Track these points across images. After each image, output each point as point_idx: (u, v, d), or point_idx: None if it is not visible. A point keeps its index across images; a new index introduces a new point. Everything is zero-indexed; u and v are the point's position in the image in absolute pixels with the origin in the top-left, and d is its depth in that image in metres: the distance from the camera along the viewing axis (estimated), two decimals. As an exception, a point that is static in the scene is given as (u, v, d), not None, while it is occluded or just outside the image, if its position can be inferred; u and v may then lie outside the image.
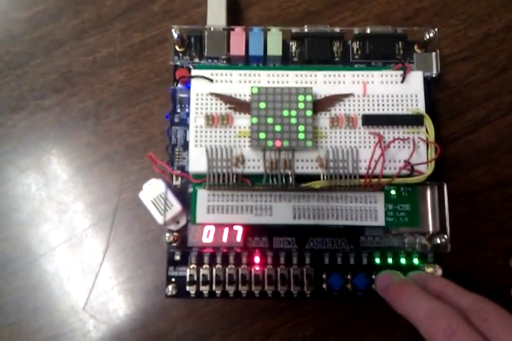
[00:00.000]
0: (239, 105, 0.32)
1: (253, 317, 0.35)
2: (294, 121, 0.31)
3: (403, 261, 0.34)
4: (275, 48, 0.35)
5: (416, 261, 0.34)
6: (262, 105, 0.31)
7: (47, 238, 0.36)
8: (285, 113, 0.31)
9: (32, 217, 0.36)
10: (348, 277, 0.34)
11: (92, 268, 0.36)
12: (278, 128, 0.31)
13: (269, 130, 0.31)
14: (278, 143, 0.31)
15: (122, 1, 0.39)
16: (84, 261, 0.36)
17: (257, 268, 0.34)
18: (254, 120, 0.31)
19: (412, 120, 0.32)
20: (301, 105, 0.31)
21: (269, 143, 0.31)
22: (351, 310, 0.35)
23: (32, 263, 0.36)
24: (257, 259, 0.34)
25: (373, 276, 0.34)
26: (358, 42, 0.37)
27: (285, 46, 0.36)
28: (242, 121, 0.32)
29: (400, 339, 0.35)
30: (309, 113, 0.31)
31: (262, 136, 0.31)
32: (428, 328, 0.25)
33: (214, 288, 0.33)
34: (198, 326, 0.35)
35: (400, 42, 0.36)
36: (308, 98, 0.31)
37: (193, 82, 0.32)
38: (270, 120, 0.31)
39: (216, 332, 0.35)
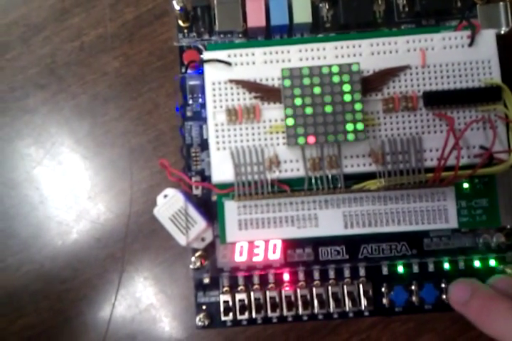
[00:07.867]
0: (267, 93, 0.28)
1: (300, 339, 0.32)
2: (339, 108, 0.27)
3: (477, 263, 0.30)
4: (303, 14, 0.31)
5: (493, 262, 0.30)
6: (297, 91, 0.27)
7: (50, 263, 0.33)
8: (327, 99, 0.27)
9: (30, 243, 0.33)
10: (413, 288, 0.30)
11: (107, 295, 0.32)
12: (319, 119, 0.27)
13: (309, 122, 0.27)
14: (321, 139, 0.27)
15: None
16: (97, 289, 0.33)
17: (303, 284, 0.30)
18: (289, 111, 0.27)
19: (487, 94, 0.28)
20: (346, 87, 0.27)
21: (310, 139, 0.27)
22: (416, 323, 0.32)
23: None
24: (301, 276, 0.30)
25: (442, 285, 0.30)
26: (404, -3, 0.32)
27: (314, 10, 0.31)
28: (273, 113, 0.28)
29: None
30: (358, 96, 0.27)
31: (300, 130, 0.27)
32: None
33: (254, 315, 0.30)
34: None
35: (457, -7, 0.32)
36: (355, 77, 0.27)
37: (207, 68, 0.28)
38: (309, 110, 0.27)
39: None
